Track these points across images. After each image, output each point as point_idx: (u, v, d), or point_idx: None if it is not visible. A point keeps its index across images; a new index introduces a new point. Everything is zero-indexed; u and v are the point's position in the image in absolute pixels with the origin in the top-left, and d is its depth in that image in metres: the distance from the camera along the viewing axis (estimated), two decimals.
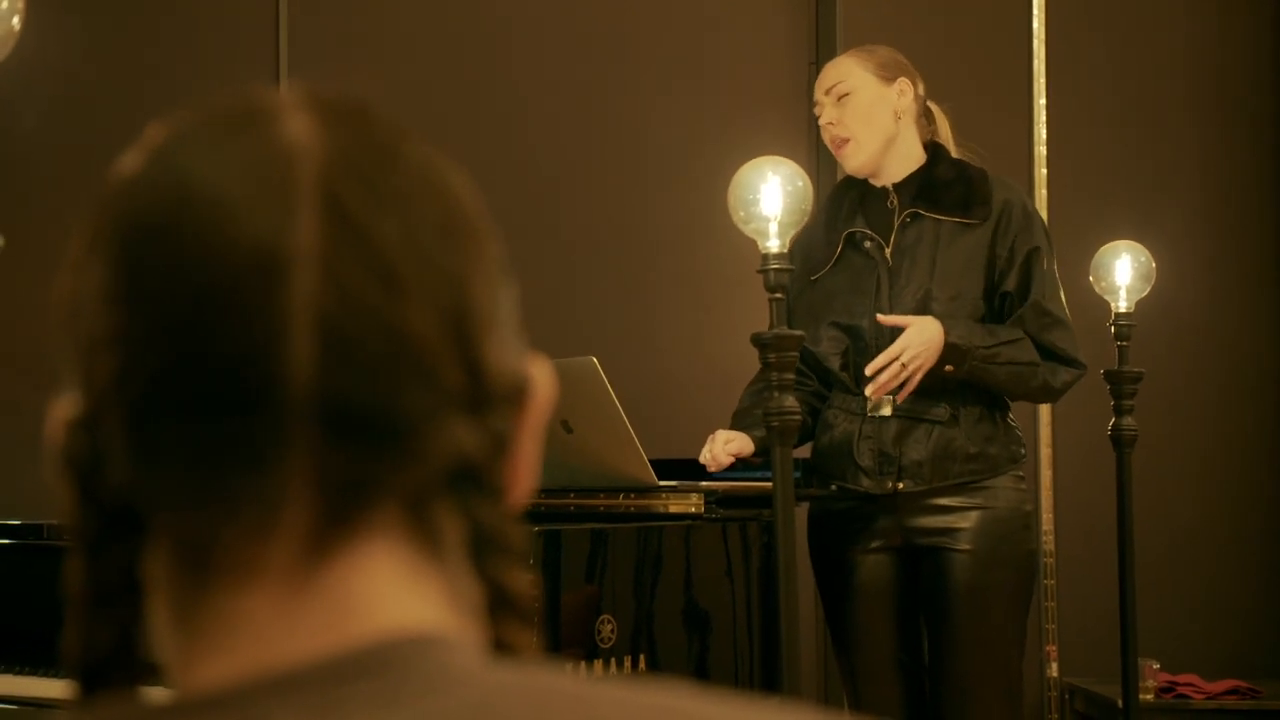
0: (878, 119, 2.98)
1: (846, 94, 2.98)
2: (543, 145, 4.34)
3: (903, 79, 3.00)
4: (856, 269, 2.99)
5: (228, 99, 0.63)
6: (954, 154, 3.04)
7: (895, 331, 2.89)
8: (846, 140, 2.98)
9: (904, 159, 3.00)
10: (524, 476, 0.65)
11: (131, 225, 0.59)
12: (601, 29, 4.44)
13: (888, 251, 2.97)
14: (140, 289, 0.58)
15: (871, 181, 3.03)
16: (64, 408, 0.61)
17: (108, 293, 0.59)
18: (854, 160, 3.00)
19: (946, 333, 2.83)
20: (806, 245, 3.07)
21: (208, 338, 0.57)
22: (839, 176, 4.32)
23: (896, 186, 3.00)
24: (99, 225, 0.60)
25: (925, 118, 3.05)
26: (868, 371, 2.86)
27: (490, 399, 0.61)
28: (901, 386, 2.85)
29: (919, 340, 2.82)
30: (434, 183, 0.62)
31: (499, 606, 0.62)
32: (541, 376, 0.65)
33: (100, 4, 4.21)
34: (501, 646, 0.62)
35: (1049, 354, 2.92)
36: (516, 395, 0.63)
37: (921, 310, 2.90)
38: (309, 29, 4.28)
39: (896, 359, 2.82)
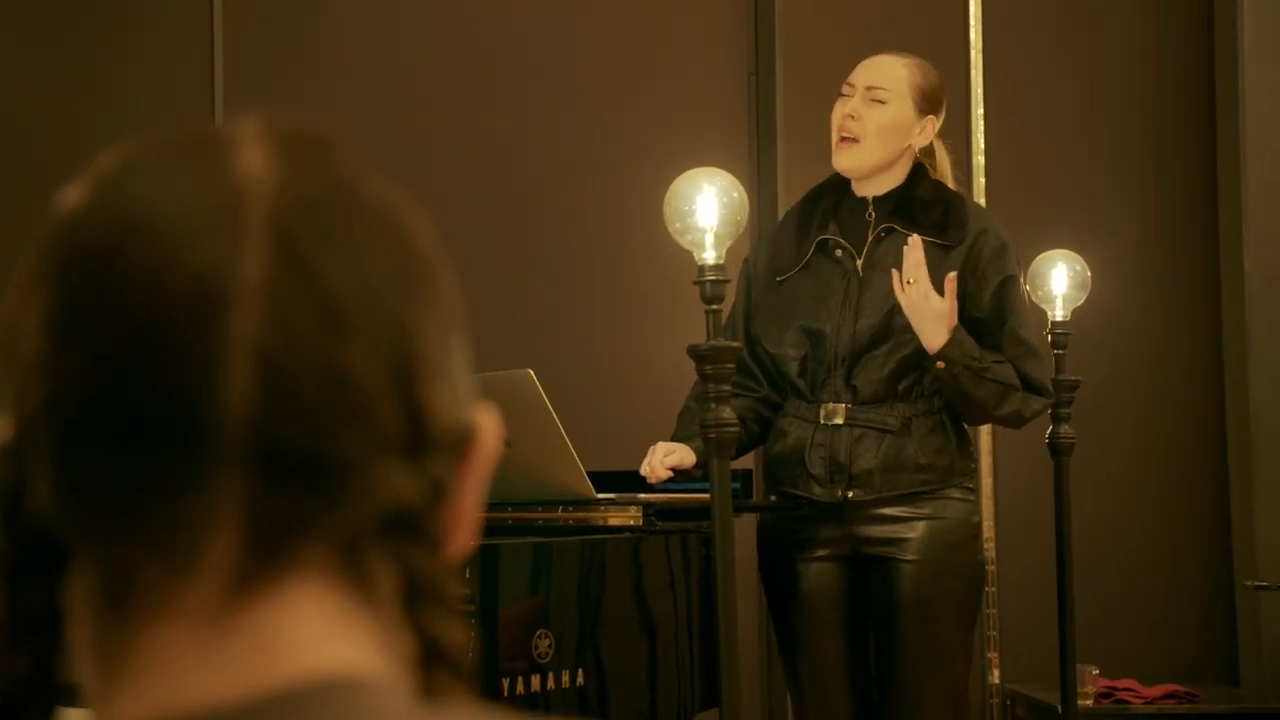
0: (894, 141, 2.97)
1: (882, 102, 2.97)
2: (481, 155, 4.32)
3: (932, 117, 3.00)
4: (825, 276, 2.99)
5: (184, 130, 0.62)
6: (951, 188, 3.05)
7: (857, 338, 2.92)
8: (855, 141, 2.96)
9: (890, 176, 3.01)
10: (464, 526, 0.63)
11: (73, 251, 0.58)
12: (540, 41, 4.43)
13: (859, 262, 2.97)
14: (76, 315, 0.57)
15: (854, 191, 3.03)
16: None
17: (44, 318, 0.58)
18: (848, 162, 2.98)
19: (953, 329, 2.84)
20: (773, 247, 3.08)
21: (141, 368, 0.55)
22: (780, 188, 4.35)
23: (876, 200, 3.00)
24: (43, 251, 0.59)
25: (928, 153, 3.04)
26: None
27: (431, 446, 0.60)
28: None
29: (938, 302, 2.82)
30: (391, 225, 0.61)
31: (431, 658, 0.61)
32: (488, 426, 0.63)
33: (35, 33, 4.16)
34: (432, 696, 0.61)
35: (1023, 382, 2.93)
36: (459, 444, 0.62)
37: (885, 324, 2.91)
38: (245, 55, 4.24)
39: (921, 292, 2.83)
